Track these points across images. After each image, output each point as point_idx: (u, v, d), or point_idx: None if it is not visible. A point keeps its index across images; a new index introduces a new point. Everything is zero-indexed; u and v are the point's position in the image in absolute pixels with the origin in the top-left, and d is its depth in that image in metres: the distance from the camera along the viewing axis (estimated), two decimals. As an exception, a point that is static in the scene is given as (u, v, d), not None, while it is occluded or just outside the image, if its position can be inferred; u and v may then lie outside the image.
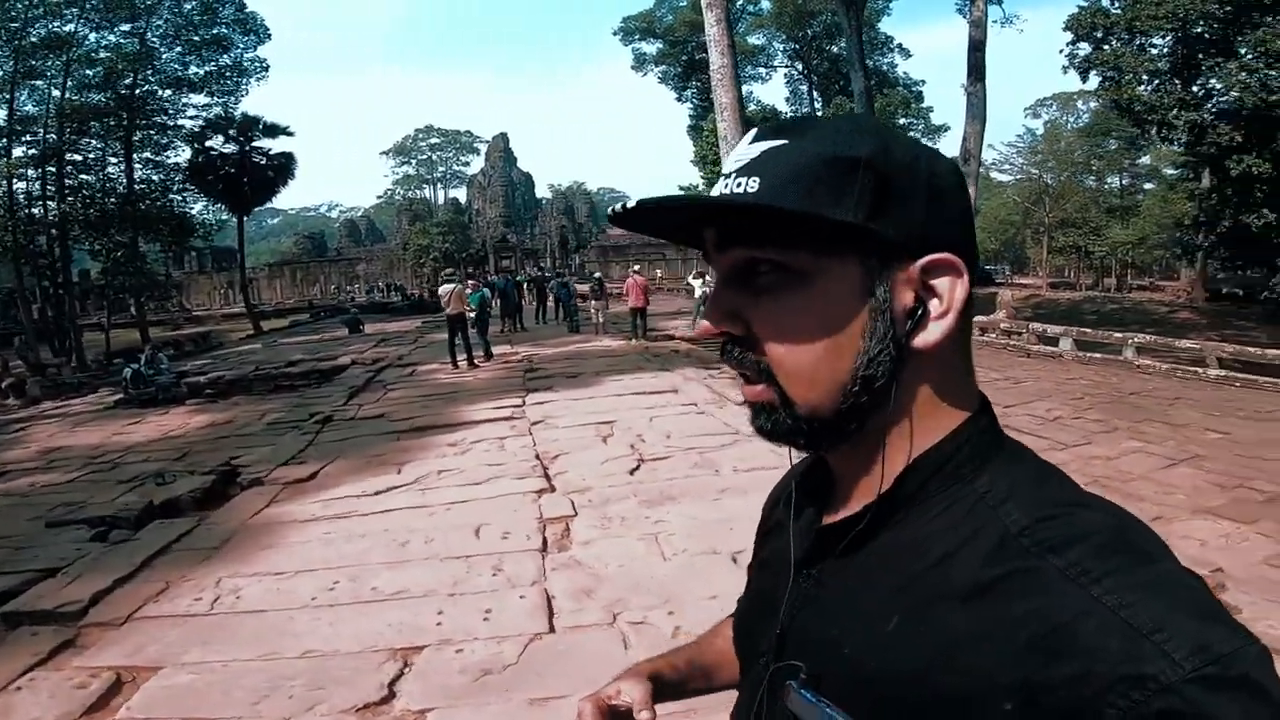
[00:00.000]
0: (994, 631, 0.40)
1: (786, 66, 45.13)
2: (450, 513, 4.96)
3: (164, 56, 25.37)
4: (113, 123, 24.03)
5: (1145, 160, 46.75)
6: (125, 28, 24.09)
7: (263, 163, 28.17)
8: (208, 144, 27.05)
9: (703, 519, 4.55)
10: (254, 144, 27.87)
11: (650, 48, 42.59)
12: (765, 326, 0.51)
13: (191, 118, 26.98)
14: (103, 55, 23.85)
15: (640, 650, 2.95)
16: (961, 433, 0.51)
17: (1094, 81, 17.73)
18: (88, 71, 23.63)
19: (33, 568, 4.52)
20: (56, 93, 22.91)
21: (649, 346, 13.42)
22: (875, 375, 0.49)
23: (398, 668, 3.03)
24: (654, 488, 5.21)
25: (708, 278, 15.85)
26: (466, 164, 79.79)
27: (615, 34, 42.82)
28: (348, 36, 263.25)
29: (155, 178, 26.29)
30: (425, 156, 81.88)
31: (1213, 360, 11.63)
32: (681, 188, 40.98)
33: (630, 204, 0.52)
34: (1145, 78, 16.34)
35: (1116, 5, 17.12)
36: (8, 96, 22.00)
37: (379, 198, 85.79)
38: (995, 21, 22.79)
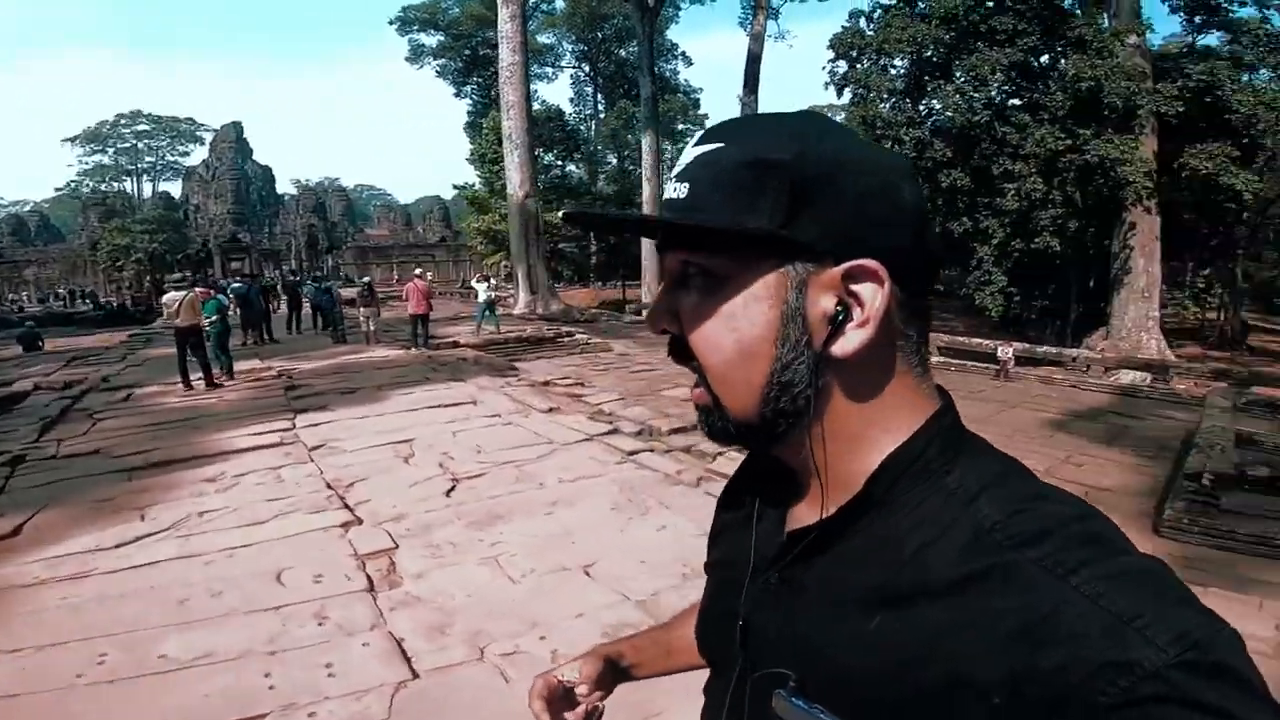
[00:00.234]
0: (977, 625, 0.41)
1: (574, 67, 45.84)
2: (235, 560, 4.14)
3: None
4: None
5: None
6: None
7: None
8: None
9: (541, 535, 4.37)
10: None
11: (430, 40, 40.91)
12: (690, 329, 0.52)
13: None
14: None
15: (524, 682, 2.68)
16: (927, 431, 0.51)
17: (847, 97, 19.75)
18: None
19: None
20: None
21: (433, 355, 12.60)
22: (793, 381, 0.49)
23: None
24: (478, 508, 4.88)
25: (494, 281, 15.40)
26: (185, 154, 69.10)
27: (392, 23, 40.28)
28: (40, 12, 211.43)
29: None
30: (129, 145, 69.01)
31: (932, 347, 14.25)
32: (456, 187, 39.42)
33: (573, 213, 0.54)
34: (886, 96, 18.70)
35: (871, 28, 19.33)
36: None
37: (59, 190, 70.78)
38: (771, 36, 25.26)
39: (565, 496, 5.06)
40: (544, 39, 42.37)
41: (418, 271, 15.09)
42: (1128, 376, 12.61)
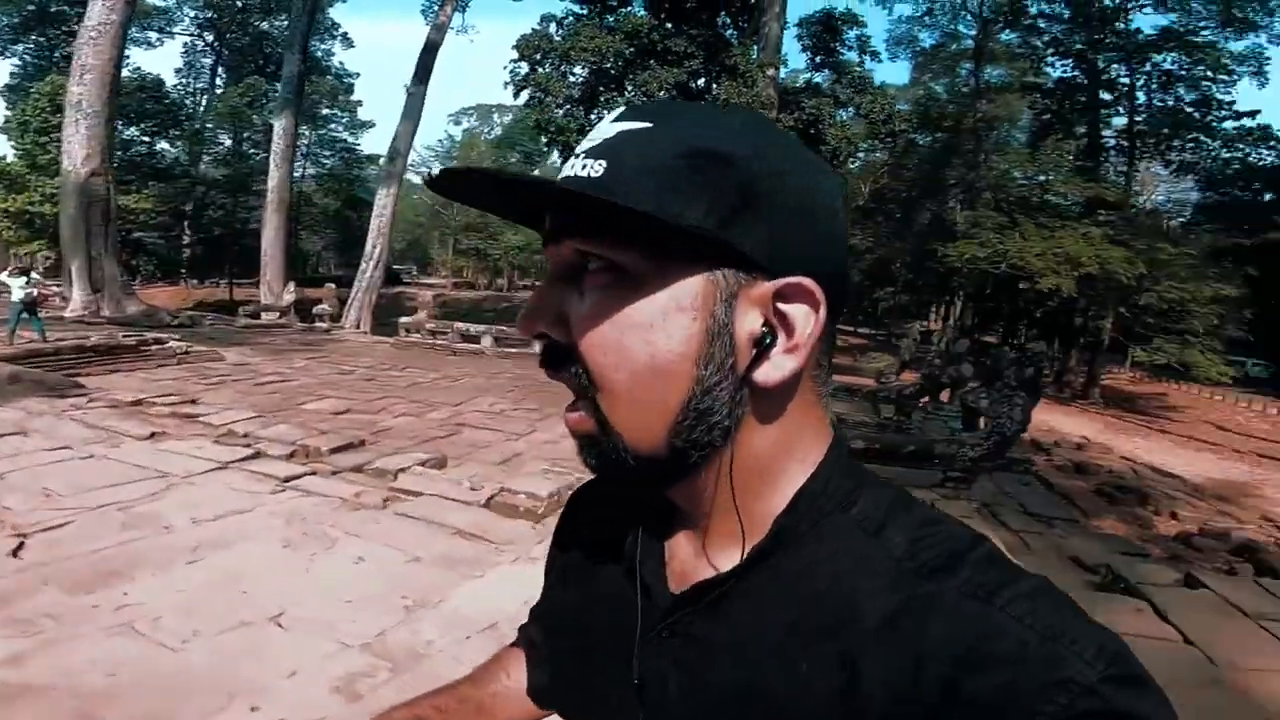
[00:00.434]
0: (911, 656, 0.40)
1: (192, 35, 37.81)
2: None
3: None
4: None
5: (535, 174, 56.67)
6: None
7: None
8: None
9: (190, 589, 3.38)
10: None
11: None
12: (586, 333, 0.45)
13: None
14: None
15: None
16: (828, 465, 0.48)
17: (524, 98, 19.55)
18: None
19: None
20: None
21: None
22: (712, 409, 0.44)
23: None
24: (76, 567, 3.53)
25: (34, 275, 11.41)
26: None
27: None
28: None
29: None
30: None
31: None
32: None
33: (456, 168, 0.44)
34: (562, 102, 18.82)
35: (560, 34, 19.41)
36: None
37: None
38: (454, 29, 23.60)
39: (210, 539, 4.00)
40: (158, 1, 35.26)
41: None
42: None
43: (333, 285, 22.31)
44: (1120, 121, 27.69)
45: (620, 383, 0.44)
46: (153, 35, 37.04)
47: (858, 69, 20.10)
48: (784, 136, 0.47)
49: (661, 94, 17.39)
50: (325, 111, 40.71)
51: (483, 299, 34.56)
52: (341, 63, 44.31)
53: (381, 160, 26.17)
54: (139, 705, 2.40)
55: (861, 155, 26.72)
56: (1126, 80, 26.28)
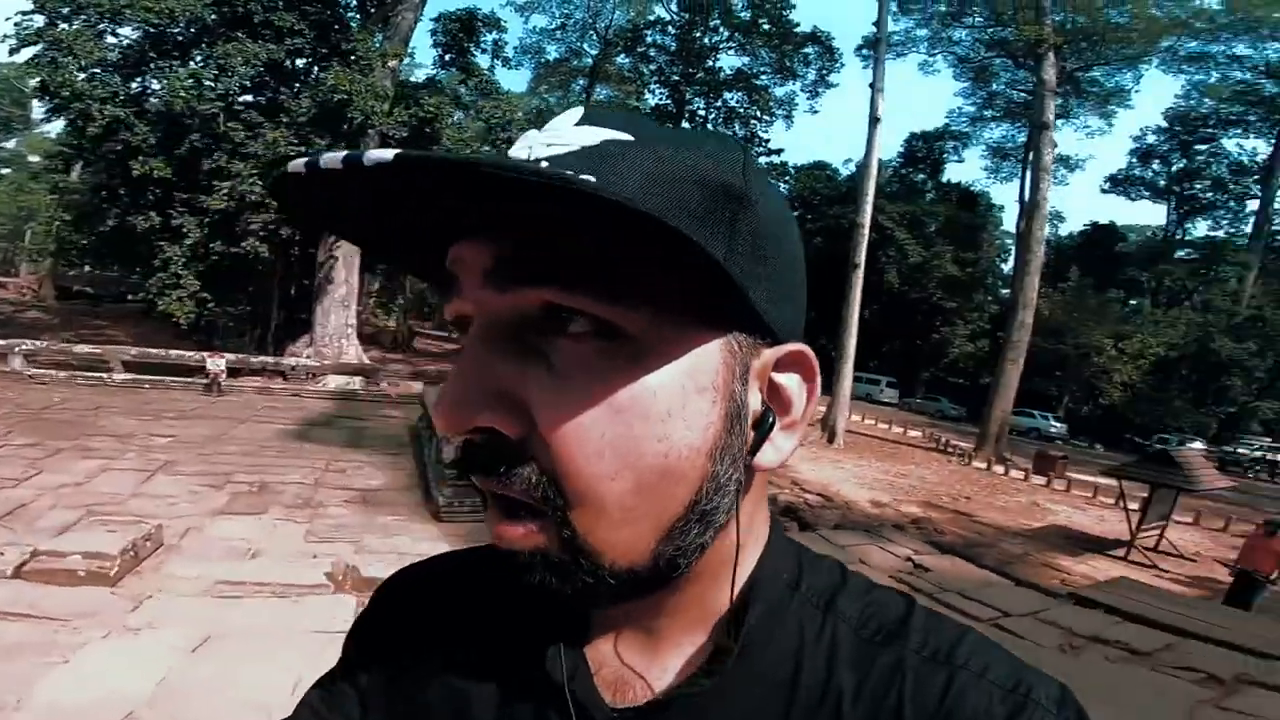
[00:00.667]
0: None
1: None
2: None
3: None
4: None
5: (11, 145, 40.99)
6: None
7: None
8: None
9: None
10: None
11: None
12: (562, 425, 0.34)
13: None
14: None
15: None
16: (774, 543, 0.44)
17: (27, 55, 14.56)
18: None
19: None
20: None
21: None
22: (718, 508, 0.37)
23: None
24: None
25: None
26: None
27: None
28: None
29: None
30: None
31: (118, 364, 11.87)
32: None
33: (373, 156, 0.29)
34: (92, 64, 14.62)
35: None
36: None
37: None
38: None
39: None
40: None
41: None
42: (335, 382, 13.92)
43: None
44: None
45: (613, 493, 0.34)
46: None
47: (487, 73, 20.35)
48: (761, 167, 0.39)
49: (247, 69, 15.25)
50: None
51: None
52: None
53: None
54: None
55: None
56: (704, 113, 31.41)
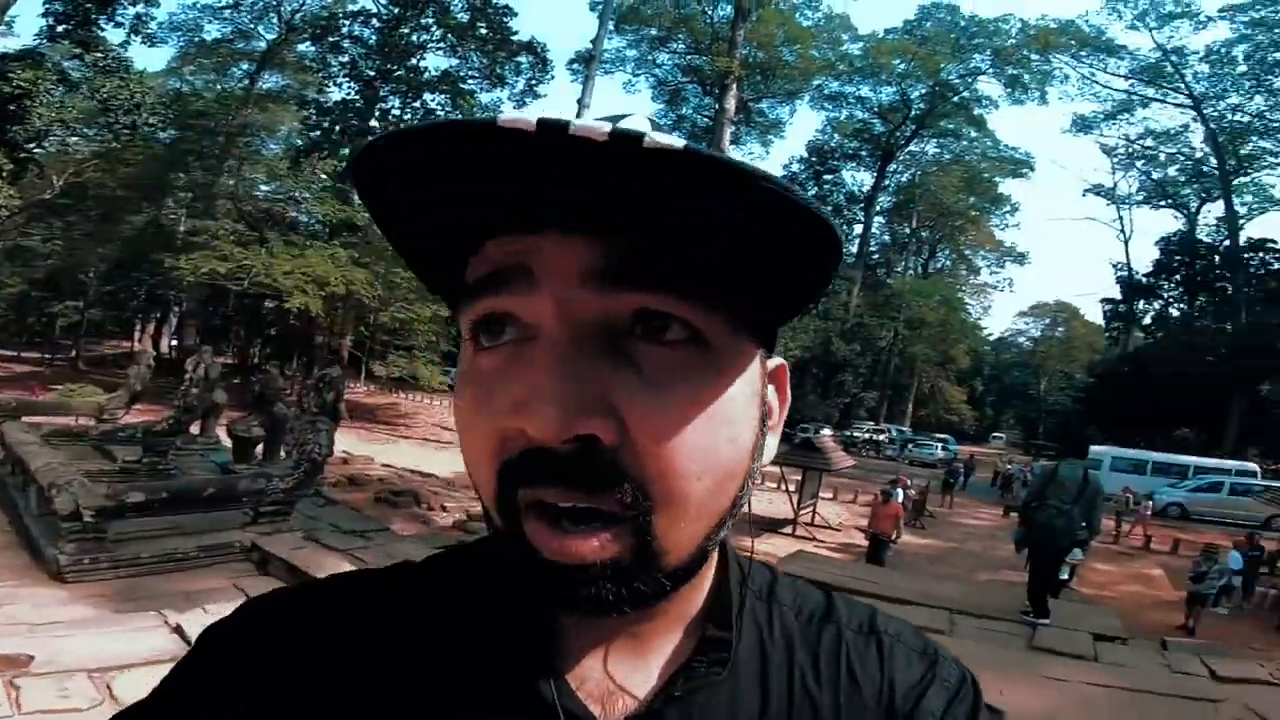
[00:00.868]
0: (871, 697, 0.45)
1: None
2: None
3: None
4: None
5: None
6: None
7: None
8: None
9: None
10: None
11: None
12: (662, 428, 0.33)
13: None
14: None
15: None
16: (727, 545, 0.46)
17: None
18: None
19: None
20: None
21: None
22: (743, 502, 0.39)
23: None
24: None
25: None
26: None
27: None
28: None
29: None
30: None
31: None
32: None
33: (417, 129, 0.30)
34: None
35: None
36: None
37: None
38: None
39: None
40: None
41: None
42: None
43: None
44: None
45: (695, 494, 0.35)
46: None
47: (117, 49, 16.62)
48: None
49: None
50: None
51: None
52: None
53: None
54: None
55: (61, 141, 21.58)
56: (399, 112, 28.67)
